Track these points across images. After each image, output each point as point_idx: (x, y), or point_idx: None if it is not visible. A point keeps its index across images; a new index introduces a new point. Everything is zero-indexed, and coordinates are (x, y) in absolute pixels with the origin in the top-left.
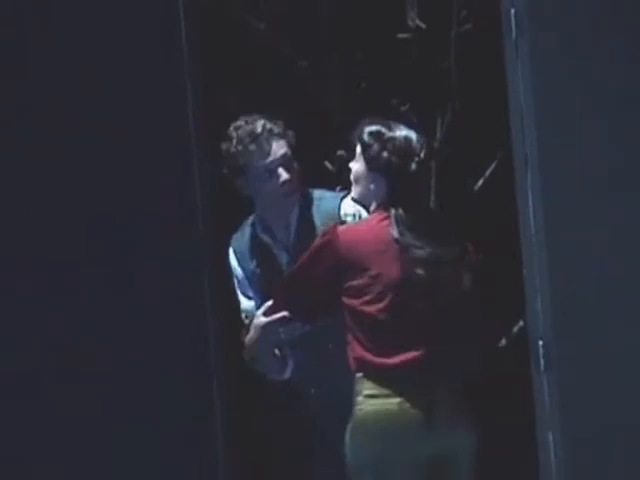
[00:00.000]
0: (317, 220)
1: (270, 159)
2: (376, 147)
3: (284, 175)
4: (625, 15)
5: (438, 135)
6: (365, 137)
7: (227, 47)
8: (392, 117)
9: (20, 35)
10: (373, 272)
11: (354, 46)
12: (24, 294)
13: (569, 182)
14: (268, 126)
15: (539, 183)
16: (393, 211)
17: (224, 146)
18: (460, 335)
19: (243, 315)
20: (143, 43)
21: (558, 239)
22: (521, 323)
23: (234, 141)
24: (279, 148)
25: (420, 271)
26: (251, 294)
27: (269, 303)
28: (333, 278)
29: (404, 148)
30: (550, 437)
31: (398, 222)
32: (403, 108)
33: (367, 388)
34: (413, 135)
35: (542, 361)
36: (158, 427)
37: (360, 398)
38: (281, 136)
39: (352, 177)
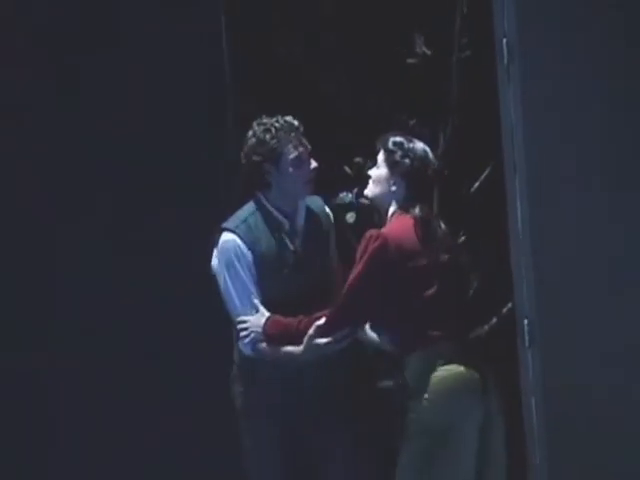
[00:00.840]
0: (316, 209)
1: (302, 149)
2: (399, 154)
3: (314, 163)
4: (603, 40)
5: (441, 145)
6: (390, 145)
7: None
8: (401, 129)
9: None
10: (417, 264)
11: (369, 69)
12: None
13: (551, 184)
14: (299, 123)
15: (525, 186)
16: (416, 210)
17: (260, 136)
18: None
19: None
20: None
21: (541, 232)
22: (509, 305)
23: (273, 130)
24: (306, 142)
25: (445, 258)
26: (249, 286)
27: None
28: (391, 277)
29: (423, 157)
30: (533, 402)
31: (421, 220)
32: (411, 122)
33: (428, 362)
34: (429, 150)
35: (527, 337)
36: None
37: (419, 372)
38: (304, 134)
39: (373, 179)
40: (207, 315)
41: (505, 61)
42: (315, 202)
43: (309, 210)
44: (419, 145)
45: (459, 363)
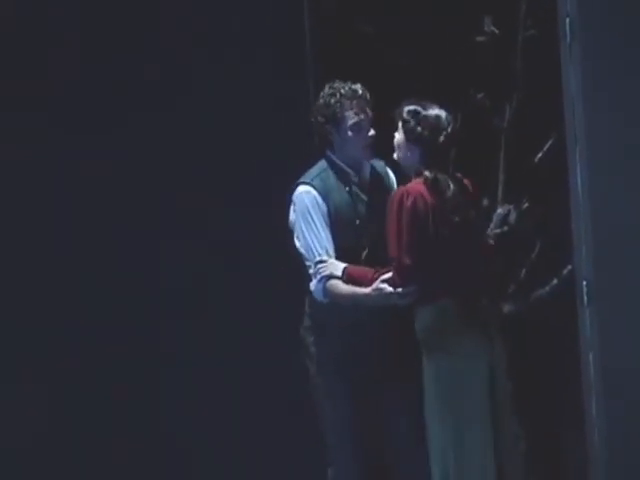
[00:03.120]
0: (379, 169)
1: (363, 116)
2: (412, 123)
3: (372, 131)
4: None
5: (507, 118)
6: (404, 114)
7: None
8: (470, 103)
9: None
10: (430, 222)
11: (443, 47)
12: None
13: (609, 154)
14: (365, 91)
15: (585, 155)
16: (426, 173)
17: (326, 99)
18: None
19: (317, 259)
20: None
21: (599, 199)
22: (569, 267)
23: (337, 95)
24: (369, 111)
25: (457, 218)
26: (324, 236)
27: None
28: (421, 230)
29: (434, 124)
30: (590, 356)
31: (430, 182)
32: (479, 95)
33: (435, 316)
34: (443, 114)
35: (585, 297)
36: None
37: (427, 324)
38: (369, 102)
39: (395, 144)
40: (281, 267)
41: (568, 39)
42: (378, 163)
43: (373, 168)
44: (432, 112)
45: (466, 319)
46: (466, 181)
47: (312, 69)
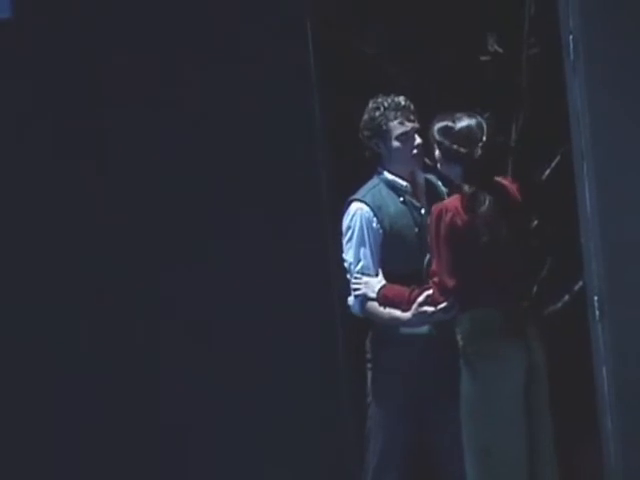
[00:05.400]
0: (432, 181)
1: (410, 126)
2: (446, 142)
3: (418, 139)
4: None
5: (513, 136)
6: (436, 135)
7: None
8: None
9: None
10: (467, 237)
11: (447, 66)
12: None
13: (616, 170)
14: (408, 102)
15: (593, 171)
16: (466, 189)
17: (370, 113)
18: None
19: (358, 274)
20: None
21: (608, 214)
22: (581, 283)
23: (382, 108)
24: (414, 120)
25: (485, 239)
26: (369, 254)
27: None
28: (459, 245)
29: (467, 137)
30: (604, 370)
31: (468, 199)
32: (485, 115)
33: (476, 324)
34: (473, 122)
35: (597, 312)
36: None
37: (467, 332)
38: (414, 113)
39: (436, 159)
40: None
41: (571, 56)
42: (431, 178)
43: (426, 179)
44: (463, 124)
45: (504, 324)
46: (513, 187)
47: (317, 92)
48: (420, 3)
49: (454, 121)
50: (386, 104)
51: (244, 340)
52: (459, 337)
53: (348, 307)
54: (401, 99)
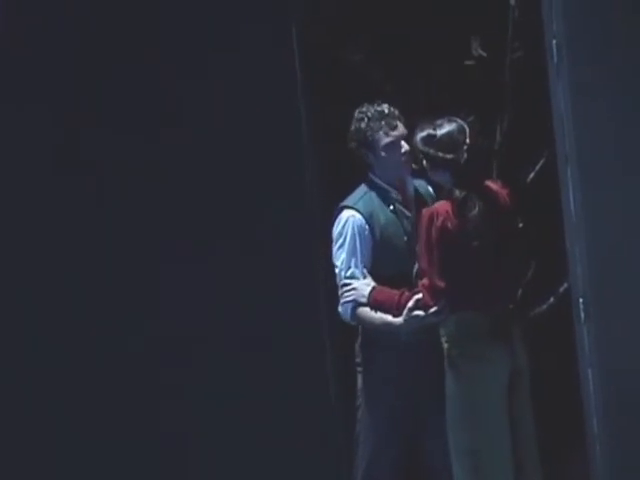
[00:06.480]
0: (421, 189)
1: (396, 134)
2: (431, 151)
3: (405, 146)
4: None
5: (498, 139)
6: (420, 146)
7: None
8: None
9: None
10: (456, 241)
11: (431, 71)
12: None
13: (600, 172)
14: (392, 109)
15: (577, 174)
16: (457, 193)
17: (356, 124)
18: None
19: (346, 281)
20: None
21: (593, 217)
22: (566, 285)
23: (366, 119)
24: (401, 127)
25: (475, 243)
26: (359, 261)
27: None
28: (449, 248)
29: (449, 142)
30: (589, 372)
31: (459, 203)
32: (469, 119)
33: (461, 327)
34: (454, 127)
35: (582, 314)
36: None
37: (452, 335)
38: (399, 119)
39: (426, 166)
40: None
41: (555, 59)
42: (421, 184)
43: (416, 189)
44: (443, 131)
45: (488, 327)
46: (503, 192)
47: (304, 100)
48: (404, 8)
49: (435, 129)
50: (370, 114)
51: (230, 343)
52: (443, 339)
53: (337, 312)
54: (384, 107)
